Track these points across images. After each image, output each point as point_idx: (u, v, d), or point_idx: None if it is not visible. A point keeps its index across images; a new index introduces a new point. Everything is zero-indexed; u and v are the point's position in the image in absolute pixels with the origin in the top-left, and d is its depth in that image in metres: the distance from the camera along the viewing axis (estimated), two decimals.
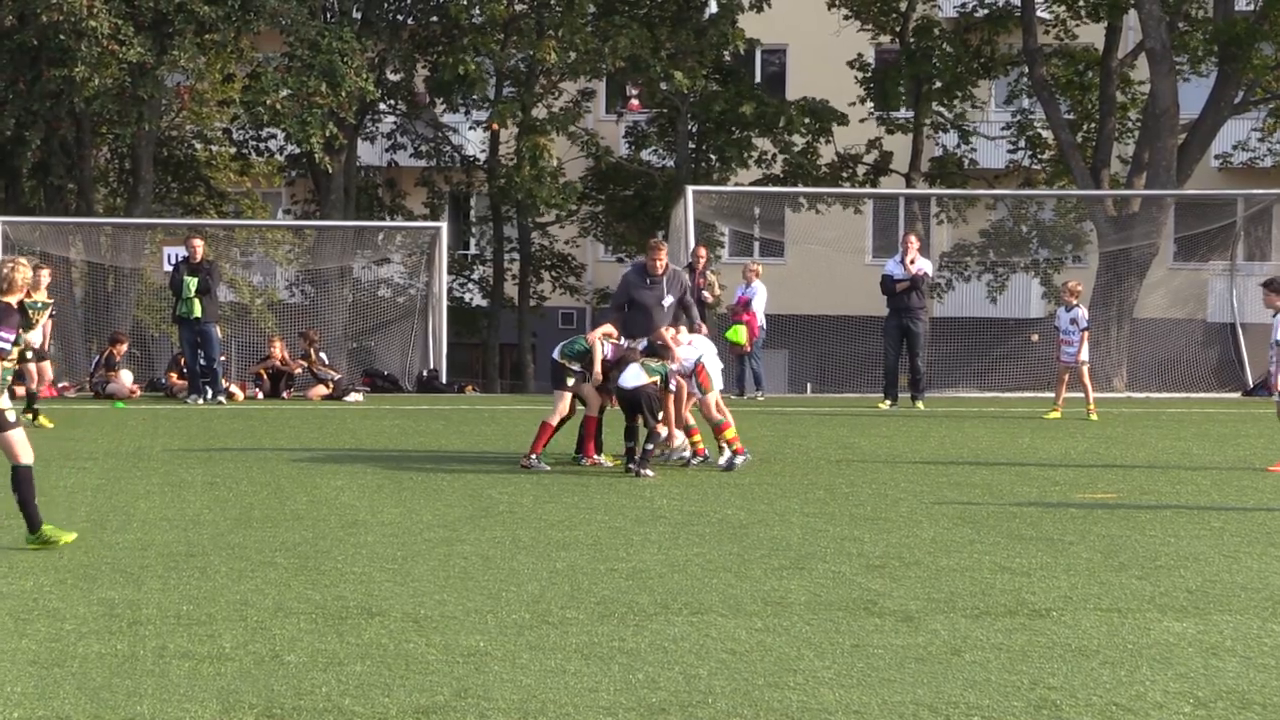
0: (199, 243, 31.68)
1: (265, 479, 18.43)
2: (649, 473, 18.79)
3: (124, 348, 33.22)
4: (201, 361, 31.13)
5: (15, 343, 13.51)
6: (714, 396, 19.74)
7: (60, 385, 34.35)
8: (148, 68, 38.38)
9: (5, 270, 13.66)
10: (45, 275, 25.81)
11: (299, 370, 33.64)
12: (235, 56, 43.65)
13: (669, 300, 21.12)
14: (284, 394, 32.87)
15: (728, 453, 19.57)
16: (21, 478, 13.31)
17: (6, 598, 11.34)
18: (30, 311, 24.52)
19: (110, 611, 10.93)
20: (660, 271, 21.23)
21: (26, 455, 13.38)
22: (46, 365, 24.62)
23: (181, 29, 38.85)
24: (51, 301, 25.39)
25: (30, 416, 23.63)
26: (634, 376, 19.16)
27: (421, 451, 22.03)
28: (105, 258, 40.76)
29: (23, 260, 13.92)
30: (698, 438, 19.95)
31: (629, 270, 22.32)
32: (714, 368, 20.01)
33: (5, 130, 41.83)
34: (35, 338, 24.40)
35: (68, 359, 40.95)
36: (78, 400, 31.28)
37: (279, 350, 33.82)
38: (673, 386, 19.38)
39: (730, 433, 19.62)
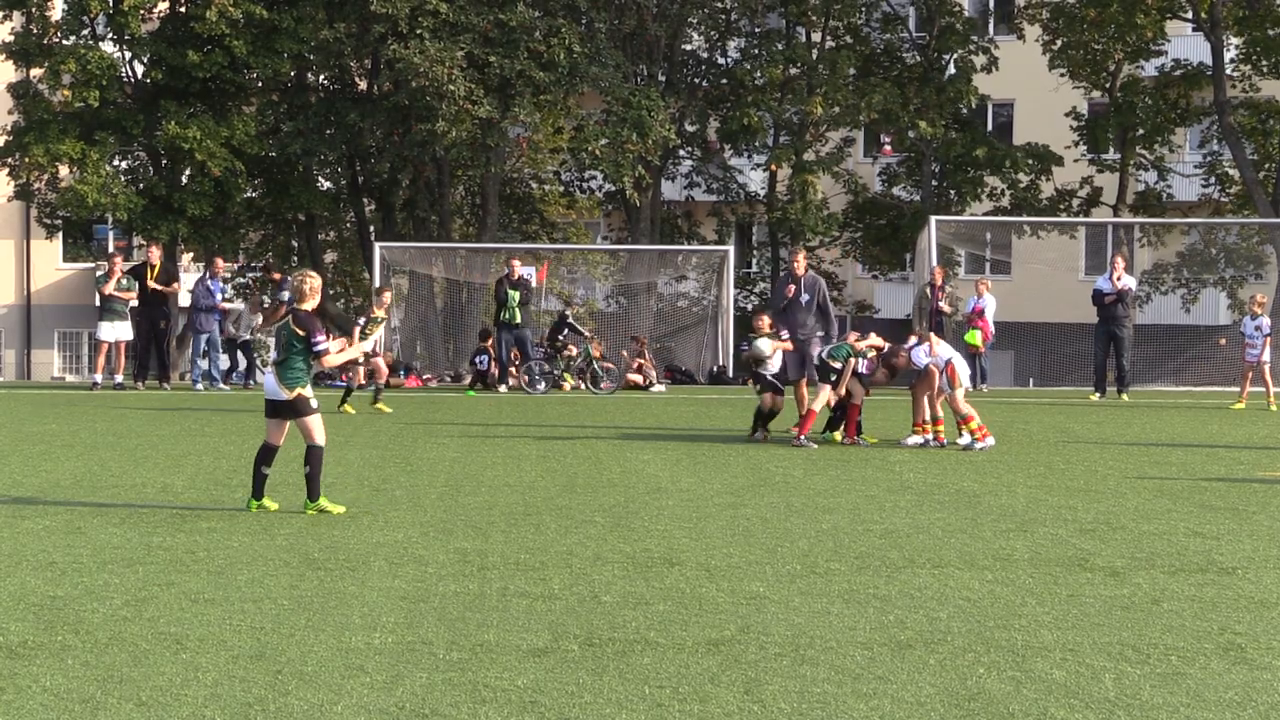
0: (517, 262, 32.24)
1: (586, 453, 18.59)
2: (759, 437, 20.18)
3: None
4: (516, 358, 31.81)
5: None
6: (960, 393, 19.50)
7: (425, 376, 34.97)
8: (494, 122, 39.02)
9: (296, 282, 13.49)
10: (387, 296, 26.36)
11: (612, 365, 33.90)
12: (564, 113, 44.16)
13: (805, 298, 21.30)
14: (602, 385, 33.11)
15: (968, 436, 19.35)
16: (314, 456, 13.21)
17: (382, 546, 11.56)
18: (369, 325, 25.14)
19: (463, 558, 11.09)
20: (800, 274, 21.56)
21: (321, 438, 13.26)
22: (380, 361, 25.17)
23: (521, 91, 39.45)
24: (385, 319, 25.91)
25: (341, 405, 24.18)
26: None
27: (712, 432, 22.05)
28: (460, 275, 41.51)
29: (311, 273, 13.69)
30: (941, 427, 19.74)
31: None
32: (962, 368, 19.82)
33: (382, 173, 43.01)
34: (367, 345, 24.99)
35: (430, 355, 41.82)
36: (439, 389, 31.80)
37: (597, 349, 34.07)
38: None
39: (974, 424, 19.39)
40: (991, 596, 9.89)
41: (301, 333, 13.19)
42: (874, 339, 20.39)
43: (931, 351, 19.69)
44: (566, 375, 32.23)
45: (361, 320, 25.94)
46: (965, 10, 49.55)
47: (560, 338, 32.33)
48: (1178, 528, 12.87)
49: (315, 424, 13.27)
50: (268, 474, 13.43)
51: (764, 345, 20.27)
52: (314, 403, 13.33)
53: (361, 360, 24.65)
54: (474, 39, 38.76)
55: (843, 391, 19.76)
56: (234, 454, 17.97)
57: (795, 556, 11.28)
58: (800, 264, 21.77)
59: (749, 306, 51.48)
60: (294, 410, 13.23)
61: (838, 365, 19.70)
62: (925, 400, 19.75)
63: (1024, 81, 50.68)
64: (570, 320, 32.99)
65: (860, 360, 19.76)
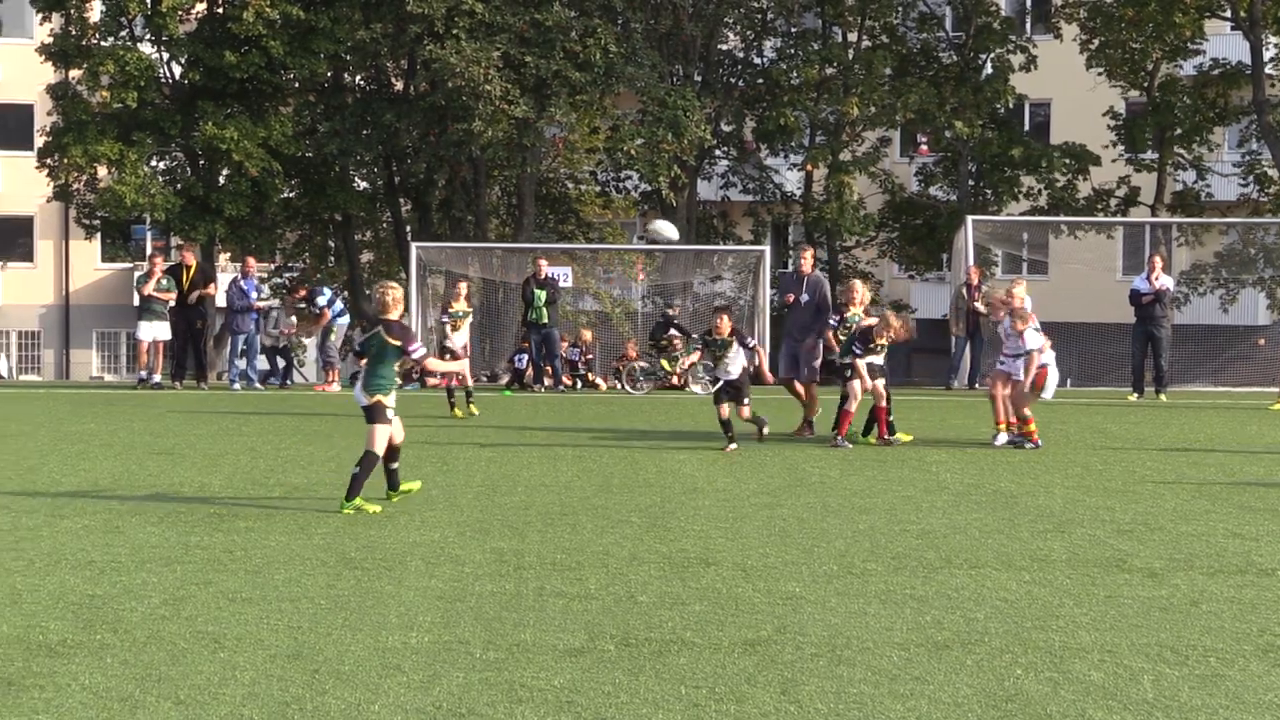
0: (544, 262, 32.34)
1: (622, 453, 18.58)
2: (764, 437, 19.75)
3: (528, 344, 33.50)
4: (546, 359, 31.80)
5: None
6: (1032, 398, 19.49)
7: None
8: (530, 122, 39.08)
9: (379, 294, 13.78)
10: (463, 287, 26.24)
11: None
12: (600, 113, 44.16)
13: (805, 298, 21.52)
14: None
15: (1021, 437, 19.33)
16: (367, 461, 13.30)
17: (419, 546, 11.58)
18: (452, 320, 25.02)
19: (500, 558, 11.10)
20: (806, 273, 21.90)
21: (379, 448, 13.36)
22: (464, 365, 24.98)
23: (557, 91, 39.49)
24: (470, 310, 25.79)
25: (464, 406, 23.83)
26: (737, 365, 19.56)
27: (748, 432, 22.03)
28: (496, 275, 41.50)
29: (393, 284, 13.98)
30: (1033, 426, 19.66)
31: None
32: (1052, 379, 19.73)
33: (419, 173, 43.09)
34: (461, 340, 24.87)
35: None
36: (475, 388, 31.75)
37: (633, 350, 34.05)
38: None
39: (1031, 426, 19.37)
40: (1029, 597, 9.86)
41: (397, 343, 13.46)
42: (869, 319, 20.42)
43: (1042, 349, 19.68)
44: (666, 363, 32.21)
45: (443, 318, 25.86)
46: (1002, 10, 49.44)
47: (665, 337, 32.57)
48: (1216, 529, 12.81)
49: (379, 433, 13.40)
50: (395, 468, 13.72)
51: (664, 229, 20.59)
52: (390, 414, 13.47)
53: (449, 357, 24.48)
54: (510, 39, 38.83)
55: (866, 383, 19.71)
56: (271, 453, 18.02)
57: (832, 557, 11.26)
58: (807, 263, 21.99)
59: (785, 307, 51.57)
60: (369, 414, 13.40)
61: (847, 361, 19.85)
62: (1003, 398, 19.67)
63: (1061, 81, 50.55)
64: (676, 320, 33.27)
65: (855, 348, 19.77)
